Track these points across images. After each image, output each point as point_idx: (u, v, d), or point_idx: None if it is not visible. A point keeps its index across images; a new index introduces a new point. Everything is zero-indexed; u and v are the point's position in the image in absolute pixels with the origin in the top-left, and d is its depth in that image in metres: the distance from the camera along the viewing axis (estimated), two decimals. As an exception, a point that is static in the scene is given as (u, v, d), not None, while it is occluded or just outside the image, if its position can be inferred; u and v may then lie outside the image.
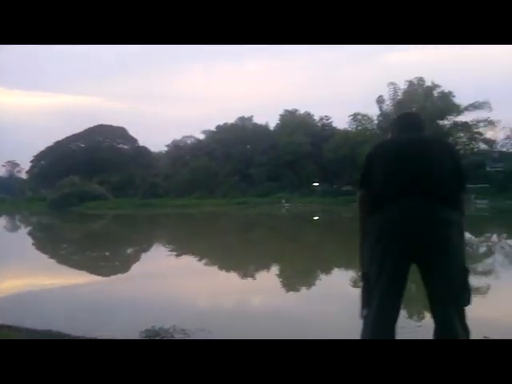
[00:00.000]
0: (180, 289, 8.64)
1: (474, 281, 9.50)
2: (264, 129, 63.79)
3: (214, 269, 11.88)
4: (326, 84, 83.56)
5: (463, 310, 2.37)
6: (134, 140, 78.26)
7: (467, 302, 2.40)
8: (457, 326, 2.30)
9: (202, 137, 67.70)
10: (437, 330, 2.38)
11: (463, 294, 2.38)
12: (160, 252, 15.27)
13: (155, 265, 12.38)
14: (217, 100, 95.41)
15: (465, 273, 2.42)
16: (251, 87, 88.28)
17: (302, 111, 61.74)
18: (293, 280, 9.76)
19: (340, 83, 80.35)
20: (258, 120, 65.08)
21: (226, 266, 11.99)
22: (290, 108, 61.64)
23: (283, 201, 48.67)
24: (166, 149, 71.64)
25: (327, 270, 10.65)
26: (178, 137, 69.97)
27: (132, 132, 78.38)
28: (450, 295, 2.33)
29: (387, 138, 2.96)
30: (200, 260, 13.28)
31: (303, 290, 8.75)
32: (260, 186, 54.54)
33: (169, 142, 70.79)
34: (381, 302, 2.39)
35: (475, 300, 7.62)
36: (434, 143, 2.65)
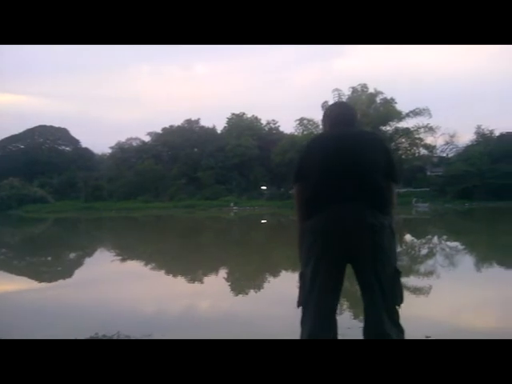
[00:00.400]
0: (125, 294, 8.42)
1: (416, 281, 9.89)
2: (211, 132, 63.63)
3: (161, 273, 11.67)
4: (273, 88, 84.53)
5: (395, 309, 2.41)
6: (76, 141, 75.87)
7: (399, 302, 2.45)
8: (388, 325, 2.34)
9: (147, 139, 66.71)
10: (367, 330, 2.42)
11: (395, 295, 2.42)
12: (104, 257, 14.85)
13: (99, 270, 12.02)
14: (163, 102, 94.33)
15: (396, 273, 2.46)
16: (198, 90, 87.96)
17: (249, 115, 62.10)
18: (241, 283, 9.72)
19: (287, 87, 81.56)
20: (206, 123, 64.92)
21: (172, 270, 11.81)
22: (237, 111, 61.92)
23: (232, 204, 48.68)
24: (110, 151, 70.06)
25: (275, 273, 10.69)
26: (123, 139, 68.66)
27: (74, 133, 76.04)
28: (381, 295, 2.36)
29: (320, 133, 2.95)
30: (146, 265, 13.02)
31: (251, 292, 8.73)
32: (208, 189, 54.29)
33: (113, 143, 69.30)
34: (317, 302, 2.40)
35: (418, 300, 7.89)
36: (364, 138, 2.63)
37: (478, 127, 52.35)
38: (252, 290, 8.98)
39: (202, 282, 10.00)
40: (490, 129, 51.75)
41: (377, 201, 2.45)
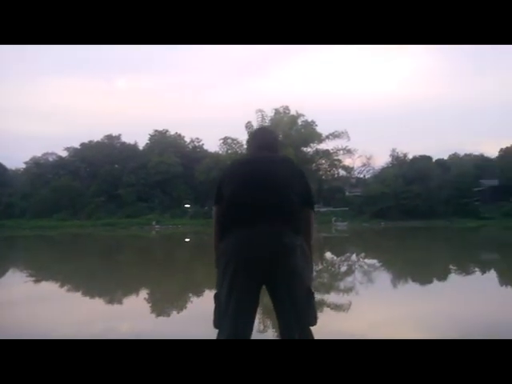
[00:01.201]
0: (39, 317, 7.89)
1: (336, 298, 10.12)
2: (133, 148, 62.26)
3: (77, 295, 11.09)
4: (198, 106, 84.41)
5: (309, 330, 2.42)
6: (-14, 155, 71.31)
7: (313, 322, 2.47)
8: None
9: (64, 154, 64.02)
10: None
11: (308, 315, 2.44)
12: (16, 278, 13.91)
13: (10, 292, 11.22)
14: (82, 116, 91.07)
15: (310, 294, 2.48)
16: (120, 105, 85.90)
17: (172, 132, 61.49)
18: (162, 304, 9.46)
19: (211, 106, 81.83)
20: (127, 139, 63.44)
21: (90, 291, 11.27)
22: (160, 128, 61.11)
23: (153, 222, 47.66)
24: (24, 166, 66.46)
25: (198, 293, 10.52)
26: (39, 153, 65.51)
27: (-15, 147, 71.43)
28: (295, 316, 2.37)
29: (239, 158, 3.07)
30: (62, 286, 12.34)
31: (173, 313, 8.51)
32: (129, 207, 52.84)
33: (28, 158, 65.88)
34: (231, 323, 2.37)
35: (338, 316, 8.05)
36: (280, 162, 2.70)
37: (393, 150, 55.41)
38: (174, 311, 8.75)
39: (121, 303, 9.61)
40: (404, 152, 54.90)
41: (290, 223, 2.48)
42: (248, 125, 48.29)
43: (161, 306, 9.17)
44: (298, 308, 2.38)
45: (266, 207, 2.47)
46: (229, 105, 76.90)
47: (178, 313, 8.52)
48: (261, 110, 48.00)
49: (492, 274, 14.35)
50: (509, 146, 54.51)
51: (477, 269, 15.32)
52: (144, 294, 10.90)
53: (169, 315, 8.33)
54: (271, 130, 3.19)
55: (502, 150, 55.35)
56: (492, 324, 6.87)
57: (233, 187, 2.60)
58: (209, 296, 10.43)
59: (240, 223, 2.47)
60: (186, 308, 8.91)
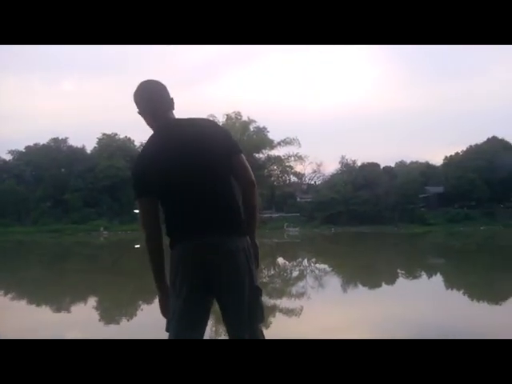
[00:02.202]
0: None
1: (288, 303, 10.18)
2: (80, 151, 60.48)
3: (22, 304, 10.61)
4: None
5: (258, 329, 2.38)
6: None
7: (260, 320, 2.41)
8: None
9: (8, 157, 61.50)
10: None
11: (256, 314, 2.38)
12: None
13: None
14: (27, 118, 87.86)
15: (256, 292, 2.40)
16: (66, 107, 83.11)
17: (121, 135, 60.29)
18: (111, 311, 9.19)
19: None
20: (74, 142, 61.58)
21: (36, 299, 10.82)
22: (108, 132, 59.75)
23: (101, 228, 46.48)
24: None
25: (148, 300, 10.29)
26: (-21, 156, 62.62)
27: None
28: (243, 316, 2.31)
29: (152, 136, 2.48)
30: (5, 294, 11.78)
31: (123, 320, 8.28)
32: (76, 213, 51.26)
33: (-33, 161, 62.83)
34: (176, 330, 2.27)
35: (291, 321, 8.07)
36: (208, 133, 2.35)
37: (342, 157, 56.49)
38: (124, 318, 8.52)
39: (69, 312, 9.26)
40: (353, 159, 56.15)
41: (231, 222, 2.30)
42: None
43: (110, 314, 8.91)
44: (246, 308, 2.33)
45: (204, 210, 2.27)
46: (179, 109, 75.92)
47: (128, 320, 8.30)
48: (212, 115, 47.78)
49: (438, 278, 14.85)
50: (453, 154, 56.89)
51: (423, 273, 15.82)
52: (92, 301, 10.56)
53: (118, 323, 8.10)
54: (155, 81, 2.52)
55: (446, 157, 57.62)
56: (439, 324, 7.08)
57: (161, 177, 2.28)
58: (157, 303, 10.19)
59: (177, 228, 2.32)
60: (135, 315, 8.70)
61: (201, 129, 2.34)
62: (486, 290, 11.67)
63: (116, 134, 60.46)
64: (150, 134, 2.43)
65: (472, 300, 10.98)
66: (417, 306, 9.16)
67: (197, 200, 2.28)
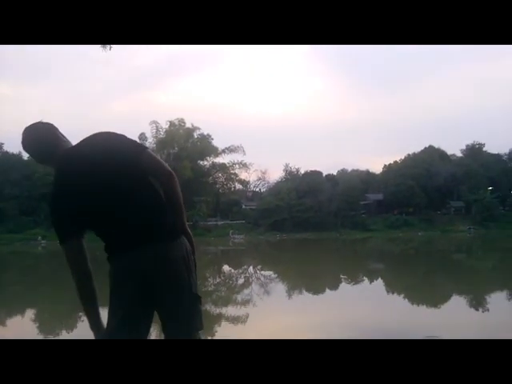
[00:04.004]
0: None
1: (234, 310, 10.16)
2: (17, 158, 58.13)
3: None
4: (87, 116, 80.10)
5: (198, 335, 2.36)
6: None
7: (199, 327, 2.39)
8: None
9: None
10: None
11: (195, 321, 2.36)
12: None
13: None
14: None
15: (195, 299, 2.37)
16: (2, 112, 79.42)
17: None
18: (52, 325, 8.85)
19: (102, 116, 78.20)
20: (10, 148, 59.03)
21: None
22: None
23: (39, 238, 44.66)
24: None
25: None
26: None
27: None
28: (181, 325, 2.28)
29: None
30: None
31: (63, 333, 7.98)
32: (11, 222, 49.02)
33: None
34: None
35: (236, 329, 8.04)
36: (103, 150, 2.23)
37: (286, 165, 57.27)
38: (64, 331, 8.22)
39: (5, 326, 8.83)
40: (296, 167, 57.02)
41: (160, 229, 2.24)
42: (141, 136, 47.21)
43: (49, 326, 8.57)
44: (185, 316, 2.29)
45: (131, 219, 2.20)
46: (121, 115, 74.33)
47: (68, 332, 8.01)
48: (155, 122, 47.20)
49: (379, 282, 15.30)
50: (392, 162, 58.92)
51: (365, 277, 16.25)
52: (31, 314, 10.11)
53: (58, 334, 7.80)
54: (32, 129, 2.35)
55: (385, 166, 59.56)
56: (379, 326, 7.30)
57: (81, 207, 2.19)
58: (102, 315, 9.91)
59: (114, 247, 2.24)
60: (76, 327, 8.40)
61: (100, 147, 2.23)
62: (424, 293, 12.13)
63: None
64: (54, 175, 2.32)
65: (411, 302, 11.39)
66: (358, 309, 9.39)
67: (123, 217, 2.21)
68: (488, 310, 10.04)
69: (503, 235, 37.57)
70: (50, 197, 2.28)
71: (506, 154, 54.98)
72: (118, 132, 2.28)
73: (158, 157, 2.33)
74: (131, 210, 2.21)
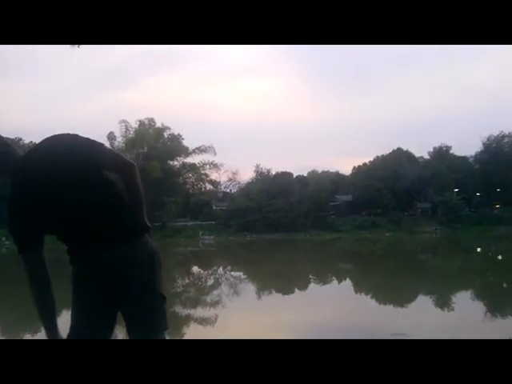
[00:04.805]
0: None
1: (203, 312, 10.09)
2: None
3: None
4: (53, 114, 78.01)
5: (162, 337, 2.33)
6: None
7: (164, 328, 2.36)
8: None
9: None
10: None
11: (159, 321, 2.32)
12: None
13: None
14: None
15: (160, 299, 2.33)
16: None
17: (26, 141, 56.71)
18: (16, 327, 8.60)
19: (69, 114, 76.40)
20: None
21: None
22: (12, 136, 56.08)
23: (3, 238, 43.45)
24: None
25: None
26: None
27: None
28: (146, 325, 2.25)
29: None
30: None
31: (26, 337, 7.75)
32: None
33: None
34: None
35: (205, 331, 7.98)
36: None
37: (257, 166, 57.34)
38: (27, 334, 7.99)
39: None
40: (267, 168, 57.15)
41: (123, 227, 2.19)
42: (110, 135, 46.42)
43: (12, 328, 8.33)
44: (149, 316, 2.25)
45: (94, 223, 2.14)
46: (89, 114, 72.90)
47: (32, 335, 7.79)
48: (124, 121, 46.36)
49: (347, 282, 15.46)
50: (361, 164, 59.72)
51: (334, 278, 16.39)
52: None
53: (21, 336, 7.57)
54: None
55: (355, 167, 60.33)
56: (347, 325, 7.36)
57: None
58: (64, 319, 9.69)
59: (77, 248, 2.18)
60: (40, 331, 8.18)
61: (56, 148, 2.17)
62: (391, 292, 12.30)
63: (20, 139, 57.01)
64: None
65: (379, 301, 11.54)
66: (327, 309, 9.46)
67: (84, 218, 2.15)
68: (453, 309, 10.26)
69: (468, 236, 38.48)
70: (8, 202, 2.18)
71: (471, 157, 56.30)
72: (86, 131, 2.28)
73: (115, 151, 2.29)
74: (92, 210, 2.14)
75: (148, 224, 2.31)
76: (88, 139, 2.21)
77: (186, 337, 6.82)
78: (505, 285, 14.65)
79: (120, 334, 2.39)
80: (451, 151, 58.43)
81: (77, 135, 2.21)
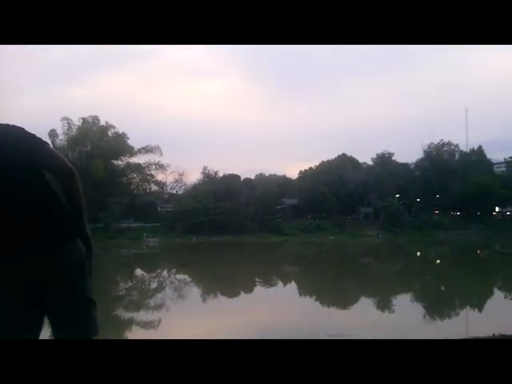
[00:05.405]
0: None
1: (146, 315, 9.86)
2: None
3: None
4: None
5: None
6: None
7: (94, 333, 2.29)
8: None
9: None
10: None
11: (88, 326, 2.26)
12: None
13: None
14: None
15: (89, 304, 2.27)
16: None
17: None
18: None
19: (12, 110, 73.13)
20: None
21: None
22: None
23: None
24: None
25: None
26: None
27: None
28: (76, 330, 2.17)
29: None
30: None
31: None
32: None
33: None
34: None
35: (148, 335, 7.78)
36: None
37: (205, 168, 56.95)
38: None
39: None
40: (215, 170, 56.90)
41: (53, 236, 2.12)
42: (52, 133, 44.69)
43: None
44: (77, 321, 2.15)
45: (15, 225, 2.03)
46: (30, 111, 70.01)
47: None
48: (67, 118, 44.74)
49: (292, 285, 15.60)
50: (307, 168, 60.57)
51: (279, 280, 16.49)
52: None
53: None
54: None
55: (301, 171, 61.10)
56: (290, 325, 7.40)
57: None
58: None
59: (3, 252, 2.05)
60: None
61: None
62: (334, 294, 12.51)
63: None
64: None
65: (322, 303, 11.70)
66: (271, 311, 9.48)
67: (14, 218, 2.03)
68: (393, 311, 10.54)
69: (408, 240, 39.82)
70: None
71: (412, 164, 58.29)
72: (27, 128, 2.08)
73: (59, 153, 2.15)
74: (24, 211, 2.03)
75: (85, 230, 2.21)
76: (33, 135, 2.08)
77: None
78: (443, 288, 15.24)
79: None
80: (393, 158, 60.23)
81: (22, 128, 2.09)
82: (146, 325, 8.72)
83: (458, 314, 10.46)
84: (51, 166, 2.07)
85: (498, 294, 13.49)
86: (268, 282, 15.99)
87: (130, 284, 16.20)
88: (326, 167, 56.67)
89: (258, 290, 14.29)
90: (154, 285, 15.93)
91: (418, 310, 10.88)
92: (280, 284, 15.78)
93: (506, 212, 54.97)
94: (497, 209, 54.66)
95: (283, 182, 60.65)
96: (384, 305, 11.33)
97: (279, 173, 64.90)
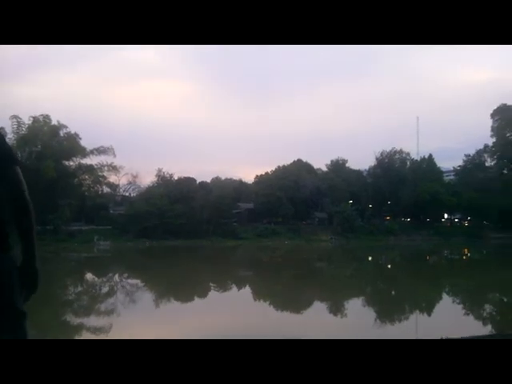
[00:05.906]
0: None
1: (96, 321, 9.57)
2: None
3: None
4: None
5: None
6: None
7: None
8: None
9: None
10: None
11: (18, 338, 2.17)
12: None
13: None
14: None
15: (20, 315, 2.18)
16: None
17: None
18: None
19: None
20: None
21: None
22: None
23: None
24: None
25: None
26: None
27: None
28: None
29: None
30: None
31: None
32: None
33: None
34: None
35: (93, 338, 7.52)
36: None
37: (159, 170, 56.14)
38: None
39: None
40: (170, 173, 56.21)
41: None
42: (1, 130, 43.18)
43: None
44: (6, 334, 2.05)
45: None
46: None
47: None
48: (16, 117, 43.22)
49: (247, 289, 15.56)
50: (263, 173, 60.77)
51: (234, 284, 16.41)
52: None
53: None
54: None
55: (257, 176, 61.22)
56: (245, 329, 7.35)
57: None
58: None
59: None
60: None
61: None
62: (288, 297, 12.56)
63: None
64: None
65: (275, 306, 11.72)
66: (225, 314, 9.41)
67: None
68: (346, 314, 10.68)
69: (361, 245, 40.71)
70: None
71: (365, 171, 59.62)
72: None
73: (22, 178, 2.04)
74: None
75: (33, 235, 2.11)
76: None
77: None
78: (393, 292, 15.58)
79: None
80: (347, 164, 61.40)
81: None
82: (96, 330, 8.45)
83: (407, 318, 10.70)
84: (11, 190, 1.99)
85: (445, 298, 13.91)
86: (222, 287, 15.89)
87: (80, 289, 15.74)
88: (281, 172, 57.03)
89: (213, 294, 14.17)
90: (104, 289, 15.52)
91: (369, 312, 11.08)
92: (234, 288, 15.70)
93: (454, 219, 56.96)
94: (445, 216, 56.56)
95: (239, 186, 60.65)
96: (336, 308, 11.47)
97: (235, 177, 64.82)
